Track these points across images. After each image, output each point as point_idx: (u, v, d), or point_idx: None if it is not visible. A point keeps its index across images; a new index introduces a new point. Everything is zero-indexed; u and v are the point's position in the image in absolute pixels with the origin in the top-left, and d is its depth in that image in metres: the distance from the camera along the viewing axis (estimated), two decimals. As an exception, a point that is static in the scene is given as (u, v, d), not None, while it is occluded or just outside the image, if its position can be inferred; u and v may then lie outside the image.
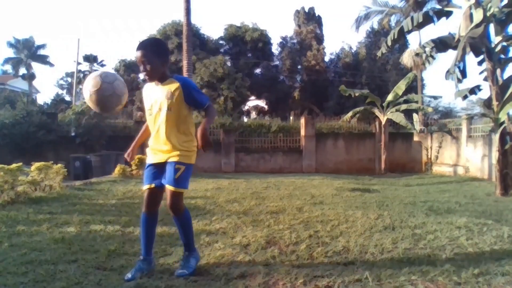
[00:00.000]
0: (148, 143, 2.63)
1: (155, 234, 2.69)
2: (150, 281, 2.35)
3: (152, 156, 2.59)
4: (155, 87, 2.55)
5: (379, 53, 9.21)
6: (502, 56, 7.55)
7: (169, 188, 2.46)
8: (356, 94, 13.64)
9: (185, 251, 2.64)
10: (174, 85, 2.49)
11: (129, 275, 2.40)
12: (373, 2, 17.10)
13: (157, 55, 2.46)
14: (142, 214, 2.60)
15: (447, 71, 7.39)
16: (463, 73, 7.52)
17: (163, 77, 2.52)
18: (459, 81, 7.52)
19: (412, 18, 8.03)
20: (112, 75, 2.49)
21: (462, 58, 7.23)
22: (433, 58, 8.68)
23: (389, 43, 8.46)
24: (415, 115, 16.25)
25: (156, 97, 2.53)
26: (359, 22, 17.23)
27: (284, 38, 28.57)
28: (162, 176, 2.53)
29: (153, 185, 2.54)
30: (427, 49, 8.50)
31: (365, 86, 15.46)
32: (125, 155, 2.77)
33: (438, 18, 7.94)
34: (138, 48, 2.45)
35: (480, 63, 7.72)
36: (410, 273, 2.47)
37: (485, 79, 7.68)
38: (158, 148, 2.55)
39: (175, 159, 2.49)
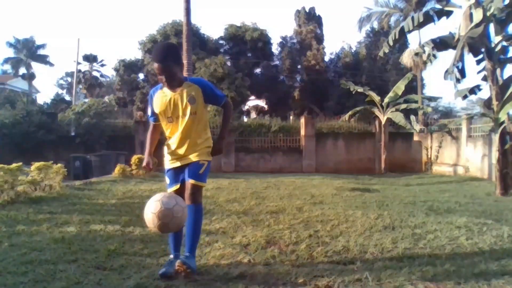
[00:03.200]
0: (168, 148, 2.65)
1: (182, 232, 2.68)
2: (150, 281, 2.35)
3: (174, 162, 2.62)
4: (171, 93, 2.55)
5: (381, 53, 9.21)
6: (502, 56, 7.55)
7: (191, 181, 2.52)
8: (358, 90, 13.67)
9: (187, 252, 2.54)
10: (193, 89, 2.53)
11: (163, 269, 2.44)
12: (375, 2, 17.11)
13: (175, 62, 2.49)
14: None
15: (446, 71, 7.39)
16: (462, 73, 7.52)
17: (180, 82, 2.54)
18: (458, 81, 7.52)
19: (412, 18, 8.03)
20: (172, 200, 2.40)
21: (460, 58, 7.24)
22: (435, 57, 8.68)
23: (391, 43, 8.47)
24: (412, 116, 16.25)
25: (176, 103, 2.54)
26: (361, 23, 17.25)
27: (284, 38, 28.55)
28: (183, 174, 2.59)
29: (179, 185, 2.59)
30: (427, 49, 8.50)
31: (365, 86, 15.43)
32: (145, 165, 2.71)
33: (439, 18, 7.94)
34: (157, 61, 2.45)
35: (478, 62, 7.72)
36: (410, 273, 2.47)
37: (484, 78, 7.68)
38: (181, 152, 2.59)
39: (198, 158, 2.57)
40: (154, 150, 2.81)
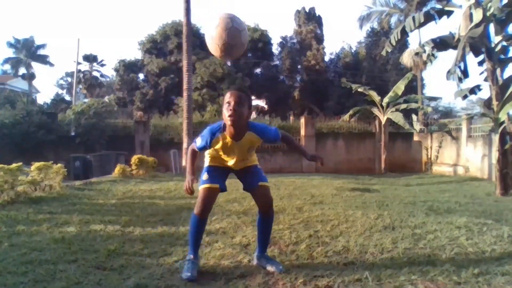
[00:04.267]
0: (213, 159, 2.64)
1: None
2: (150, 281, 2.35)
3: (220, 163, 2.60)
4: (232, 140, 2.45)
5: (383, 52, 9.24)
6: (502, 56, 7.55)
7: (265, 184, 2.59)
8: (358, 90, 13.68)
9: (263, 252, 2.67)
10: (255, 141, 2.49)
11: (188, 274, 2.37)
12: (373, 2, 17.12)
13: (248, 104, 2.40)
14: (194, 217, 2.53)
15: (448, 71, 7.40)
16: (465, 73, 7.52)
17: (243, 129, 2.44)
18: (460, 81, 7.53)
19: (413, 18, 8.04)
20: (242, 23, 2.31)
21: (462, 58, 7.24)
22: (434, 57, 8.69)
23: (394, 43, 8.49)
24: (413, 116, 16.26)
25: (235, 149, 2.49)
26: (362, 21, 17.27)
27: (284, 38, 28.56)
28: (224, 182, 2.59)
29: (217, 186, 2.50)
30: (427, 49, 8.51)
31: (365, 86, 15.46)
32: (188, 188, 2.57)
33: (439, 17, 7.95)
34: (236, 91, 2.37)
35: (480, 63, 7.72)
36: (410, 273, 2.47)
37: (486, 79, 7.68)
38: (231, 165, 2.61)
39: (252, 163, 2.64)
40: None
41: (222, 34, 2.14)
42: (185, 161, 2.67)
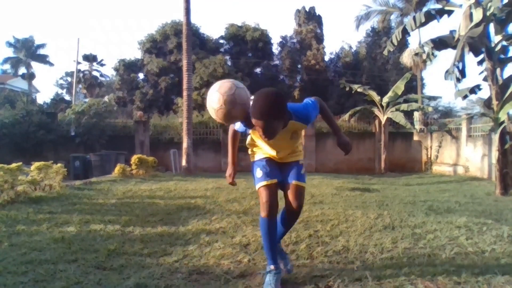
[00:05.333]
0: (259, 150, 2.47)
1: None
2: (150, 280, 2.35)
3: (268, 155, 2.42)
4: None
5: (385, 52, 9.26)
6: (502, 55, 7.55)
7: (300, 184, 2.36)
8: (358, 90, 13.67)
9: (280, 248, 2.57)
10: (298, 127, 2.27)
11: None
12: (373, 0, 17.09)
13: (279, 117, 2.02)
14: (263, 220, 2.28)
15: (446, 71, 7.39)
16: (462, 73, 7.52)
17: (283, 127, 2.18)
18: (458, 80, 7.52)
19: (414, 18, 8.05)
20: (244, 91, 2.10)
21: (461, 58, 7.24)
22: (434, 56, 8.70)
23: (395, 42, 8.51)
24: (416, 114, 16.25)
25: (277, 139, 2.17)
26: (359, 21, 17.23)
27: (284, 38, 28.56)
28: (281, 173, 2.37)
29: (275, 180, 2.30)
30: (427, 49, 8.52)
31: (365, 86, 15.46)
32: (230, 179, 2.52)
33: (440, 17, 7.96)
34: (259, 118, 1.98)
35: (480, 63, 7.72)
36: (410, 273, 2.47)
37: (485, 79, 7.68)
38: (275, 155, 2.42)
39: (295, 158, 2.46)
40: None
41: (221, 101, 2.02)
42: (228, 144, 2.57)
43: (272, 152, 2.40)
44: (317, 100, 2.35)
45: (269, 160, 2.40)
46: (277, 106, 1.98)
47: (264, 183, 2.27)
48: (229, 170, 2.55)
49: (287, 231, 2.61)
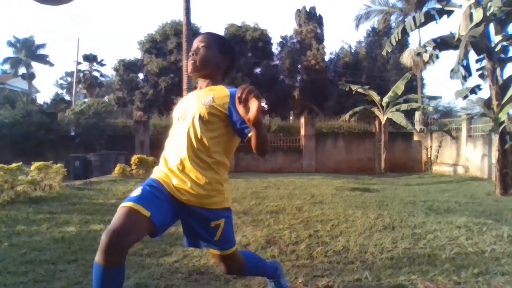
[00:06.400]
0: (161, 161, 1.79)
1: None
2: (150, 281, 2.35)
3: (165, 178, 1.68)
4: (195, 93, 1.82)
5: (383, 52, 9.27)
6: (502, 55, 7.55)
7: (215, 252, 1.75)
8: (358, 90, 13.68)
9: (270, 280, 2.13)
10: (221, 91, 1.72)
11: None
12: (372, 1, 17.10)
13: (219, 48, 1.79)
14: (95, 266, 1.45)
15: (452, 70, 7.40)
16: (468, 71, 7.53)
17: (212, 80, 1.79)
18: (464, 79, 7.53)
19: (414, 18, 8.05)
20: None
21: (465, 57, 7.24)
22: (437, 57, 8.71)
23: (394, 43, 8.51)
24: (416, 114, 16.25)
25: (190, 102, 1.76)
26: (359, 20, 17.23)
27: (284, 38, 28.57)
28: (169, 215, 1.62)
29: (147, 214, 1.49)
30: (429, 48, 8.52)
31: (365, 86, 15.47)
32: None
33: (440, 17, 7.96)
34: (203, 34, 1.85)
35: (477, 61, 7.73)
36: (410, 273, 2.47)
37: (481, 75, 7.69)
38: (174, 175, 1.66)
39: (203, 204, 1.67)
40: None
41: None
42: None
43: (171, 158, 1.70)
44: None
45: (160, 189, 1.63)
46: (225, 40, 1.88)
47: (128, 204, 1.50)
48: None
49: (256, 274, 2.07)
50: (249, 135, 1.62)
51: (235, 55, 1.89)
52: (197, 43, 1.80)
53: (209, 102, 1.68)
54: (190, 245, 1.78)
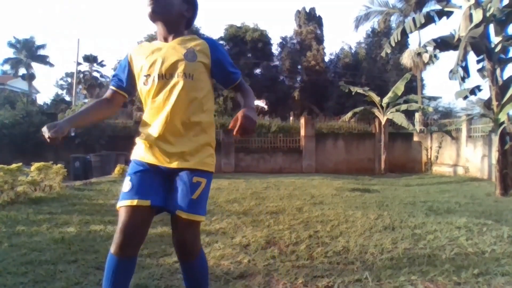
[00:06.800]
0: (143, 129, 1.66)
1: None
2: (149, 281, 2.35)
3: (148, 151, 1.61)
4: (160, 44, 1.66)
5: (383, 53, 9.28)
6: (502, 56, 7.55)
7: (182, 215, 1.55)
8: (358, 91, 13.68)
9: None
10: (198, 44, 1.63)
11: None
12: (371, 1, 17.08)
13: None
14: (110, 257, 1.54)
15: (451, 71, 7.40)
16: (467, 72, 7.53)
17: (176, 31, 1.66)
18: (463, 80, 7.53)
19: (414, 19, 8.06)
20: None
21: (464, 58, 7.25)
22: (437, 58, 8.71)
23: (393, 44, 8.51)
24: (416, 114, 16.24)
25: (162, 56, 1.60)
26: (358, 21, 17.21)
27: (284, 38, 28.61)
28: (161, 190, 1.60)
29: (147, 202, 1.52)
30: (429, 49, 8.52)
31: (365, 86, 15.47)
32: (51, 134, 1.51)
33: (439, 18, 7.97)
34: None
35: (478, 61, 7.73)
36: (410, 273, 2.47)
37: (481, 75, 7.69)
38: (163, 140, 1.59)
39: (192, 165, 1.60)
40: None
41: None
42: None
43: (157, 122, 1.60)
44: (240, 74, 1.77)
45: (146, 170, 1.60)
46: None
47: (126, 202, 1.53)
48: (58, 125, 1.54)
49: (195, 285, 1.72)
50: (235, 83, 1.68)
51: (197, 6, 1.75)
52: None
53: (192, 57, 1.59)
54: (158, 203, 1.56)
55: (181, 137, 1.59)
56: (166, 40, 1.67)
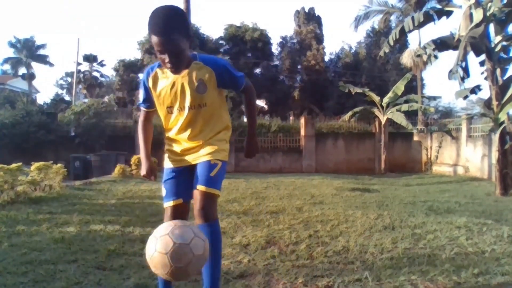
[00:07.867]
0: (167, 142, 2.07)
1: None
2: (150, 281, 2.35)
3: (174, 160, 2.02)
4: (173, 76, 1.89)
5: (381, 53, 9.24)
6: (502, 55, 7.54)
7: (201, 188, 1.85)
8: (358, 91, 13.67)
9: None
10: (205, 72, 1.88)
11: None
12: (370, 1, 17.06)
13: (183, 35, 1.75)
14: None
15: (450, 71, 7.39)
16: (466, 72, 7.52)
17: (186, 63, 1.87)
18: (463, 80, 7.52)
19: (413, 18, 8.04)
20: (188, 230, 1.64)
21: (464, 58, 7.23)
22: (436, 58, 8.69)
23: (392, 43, 8.49)
24: (419, 114, 16.22)
25: (180, 90, 1.89)
26: (358, 21, 17.18)
27: (284, 38, 28.58)
28: (189, 186, 1.95)
29: (181, 200, 1.96)
30: (428, 50, 8.51)
31: (365, 86, 15.48)
32: (145, 174, 2.06)
33: (439, 17, 7.95)
34: (158, 33, 1.71)
35: (482, 63, 7.72)
36: (410, 273, 2.47)
37: (486, 78, 7.68)
38: (185, 149, 1.99)
39: (209, 157, 1.92)
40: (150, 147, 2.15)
41: (165, 262, 1.54)
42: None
43: (181, 137, 1.98)
44: (244, 77, 2.01)
45: (177, 173, 2.01)
46: (179, 17, 1.76)
47: (170, 203, 1.97)
48: (144, 166, 2.07)
49: (211, 266, 1.82)
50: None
51: (189, 26, 1.88)
52: (165, 45, 1.74)
53: (203, 89, 1.90)
54: (188, 198, 1.99)
55: (201, 143, 1.98)
56: (175, 70, 1.90)
